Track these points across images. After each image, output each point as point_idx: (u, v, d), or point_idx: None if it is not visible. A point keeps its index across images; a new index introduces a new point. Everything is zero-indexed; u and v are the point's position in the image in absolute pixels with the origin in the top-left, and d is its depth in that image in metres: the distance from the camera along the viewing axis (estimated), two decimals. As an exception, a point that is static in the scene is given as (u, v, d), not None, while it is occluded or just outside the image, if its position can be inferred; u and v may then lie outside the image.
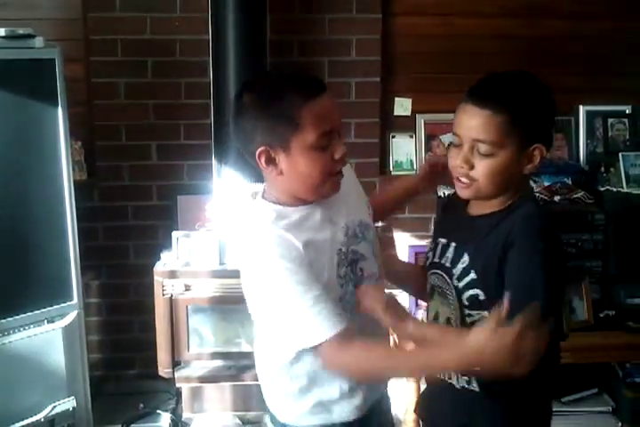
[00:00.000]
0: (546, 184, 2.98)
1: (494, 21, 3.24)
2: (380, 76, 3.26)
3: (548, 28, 3.27)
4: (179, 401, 3.05)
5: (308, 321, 1.45)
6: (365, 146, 3.31)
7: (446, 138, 3.26)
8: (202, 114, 3.16)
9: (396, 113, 3.31)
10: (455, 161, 1.54)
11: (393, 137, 3.33)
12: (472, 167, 1.52)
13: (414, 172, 3.33)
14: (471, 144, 1.51)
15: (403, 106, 3.31)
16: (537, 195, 2.79)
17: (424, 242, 3.23)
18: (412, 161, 3.33)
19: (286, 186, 1.49)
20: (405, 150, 3.33)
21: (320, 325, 1.45)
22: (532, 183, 2.92)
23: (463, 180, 1.55)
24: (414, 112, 3.30)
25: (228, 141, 2.91)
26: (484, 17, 3.23)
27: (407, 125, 3.32)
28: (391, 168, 3.35)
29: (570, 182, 3.05)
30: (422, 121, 3.30)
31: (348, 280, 1.53)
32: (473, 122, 1.50)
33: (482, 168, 1.51)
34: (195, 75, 3.16)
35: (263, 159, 1.44)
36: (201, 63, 3.11)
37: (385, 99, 3.30)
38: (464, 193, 1.58)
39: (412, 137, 3.33)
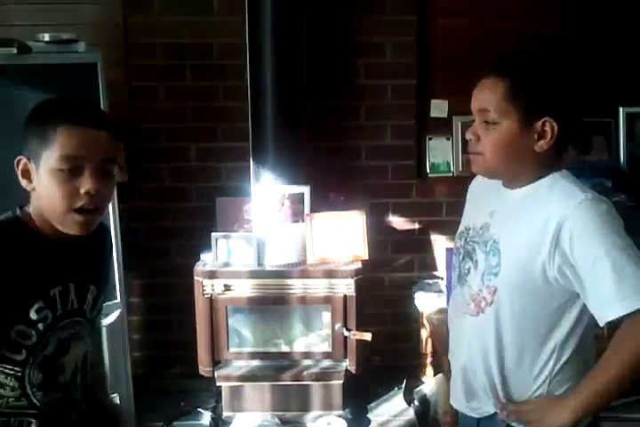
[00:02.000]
0: (586, 187, 2.96)
1: (532, 22, 3.22)
2: (416, 79, 3.27)
3: (587, 30, 3.25)
4: (219, 400, 3.09)
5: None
6: (402, 148, 3.32)
7: (469, 135, 3.25)
8: (239, 117, 3.20)
9: (432, 115, 3.31)
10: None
11: (429, 139, 3.33)
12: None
13: (451, 174, 3.33)
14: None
15: (439, 108, 3.31)
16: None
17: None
18: (448, 163, 3.33)
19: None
20: (442, 153, 3.33)
21: None
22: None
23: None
24: (451, 114, 3.30)
25: (266, 144, 2.95)
26: (521, 18, 3.22)
27: (444, 127, 3.32)
28: (428, 171, 3.35)
29: (610, 185, 3.02)
30: (459, 123, 3.29)
31: None
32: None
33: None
34: (232, 78, 3.20)
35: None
36: (238, 66, 3.15)
37: (421, 101, 3.30)
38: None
39: (448, 139, 3.32)
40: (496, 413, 1.62)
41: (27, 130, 1.41)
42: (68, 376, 1.47)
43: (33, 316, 1.38)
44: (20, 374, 1.40)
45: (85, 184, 1.36)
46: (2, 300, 1.35)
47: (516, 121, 1.49)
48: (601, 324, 1.45)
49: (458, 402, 1.73)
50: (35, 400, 1.44)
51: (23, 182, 1.42)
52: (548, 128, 1.49)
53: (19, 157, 1.41)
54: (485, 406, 1.64)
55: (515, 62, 1.55)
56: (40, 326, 1.39)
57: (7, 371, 1.40)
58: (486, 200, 1.67)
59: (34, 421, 1.46)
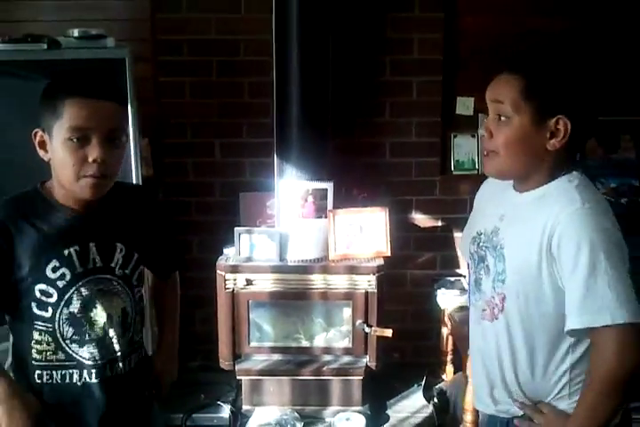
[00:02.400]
0: (612, 186, 2.94)
1: (560, 19, 3.19)
2: (442, 75, 3.26)
3: (617, 27, 3.20)
4: (238, 393, 3.11)
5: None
6: (426, 145, 3.32)
7: (482, 131, 3.24)
8: (263, 113, 3.23)
9: (458, 112, 3.30)
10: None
11: (454, 136, 3.32)
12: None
13: (475, 172, 3.32)
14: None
15: (465, 105, 3.29)
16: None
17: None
18: (473, 161, 3.32)
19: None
20: (467, 150, 3.32)
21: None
22: (597, 185, 2.88)
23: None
24: (477, 111, 3.28)
25: (290, 140, 2.96)
26: (549, 15, 3.19)
27: (469, 125, 3.30)
28: (452, 168, 3.34)
29: (637, 184, 3.00)
30: (485, 120, 3.26)
31: None
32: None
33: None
34: (258, 74, 3.22)
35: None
36: (263, 63, 3.17)
37: (447, 98, 3.29)
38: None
39: (473, 136, 3.31)
40: (525, 414, 1.62)
41: (40, 103, 1.50)
42: (99, 330, 1.59)
43: (50, 274, 1.53)
44: (51, 329, 1.55)
45: (93, 153, 1.46)
46: (22, 261, 1.51)
47: (528, 117, 1.49)
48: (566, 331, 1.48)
49: (485, 406, 1.72)
50: (71, 353, 1.58)
51: (40, 153, 1.53)
52: (561, 126, 1.49)
53: (35, 130, 1.51)
54: (512, 409, 1.64)
55: (530, 60, 1.55)
56: (59, 283, 1.53)
57: (40, 327, 1.55)
58: (497, 203, 1.66)
59: (76, 372, 1.58)
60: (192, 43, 3.21)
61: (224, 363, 2.97)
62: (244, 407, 3.03)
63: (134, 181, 2.65)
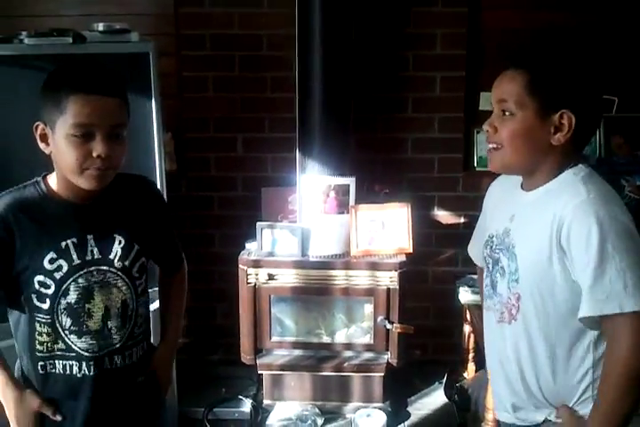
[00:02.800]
0: (638, 183, 2.90)
1: (585, 15, 3.15)
2: (465, 71, 3.24)
3: (633, 23, 3.16)
4: (259, 388, 3.12)
5: None
6: (449, 141, 3.30)
7: (486, 126, 3.21)
8: (286, 108, 3.22)
9: (481, 108, 3.27)
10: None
11: (477, 132, 3.30)
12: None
13: (498, 167, 3.29)
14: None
15: (488, 100, 3.20)
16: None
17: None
18: (496, 156, 3.29)
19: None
20: (490, 146, 3.29)
21: None
22: (622, 182, 2.84)
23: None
24: (500, 107, 3.25)
25: (313, 135, 2.96)
26: (573, 10, 3.15)
27: (492, 120, 3.27)
28: (475, 164, 3.32)
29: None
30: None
31: None
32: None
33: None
34: (280, 69, 3.21)
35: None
36: (286, 58, 3.17)
37: (470, 93, 3.27)
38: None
39: (497, 132, 3.28)
40: (545, 420, 1.61)
41: (42, 96, 1.50)
42: (97, 322, 1.59)
43: (47, 266, 1.54)
44: (50, 320, 1.56)
45: (97, 148, 1.48)
46: (22, 253, 1.53)
47: (532, 113, 1.49)
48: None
49: (504, 414, 1.70)
50: (71, 343, 1.59)
51: (42, 146, 1.54)
52: (565, 121, 1.48)
53: (36, 123, 1.52)
54: (532, 416, 1.63)
55: (533, 56, 1.55)
56: (56, 275, 1.55)
57: (40, 319, 1.57)
58: (506, 205, 1.65)
59: (75, 363, 1.59)
60: (215, 37, 3.21)
61: (245, 357, 2.97)
62: (265, 402, 3.04)
63: (158, 176, 2.65)
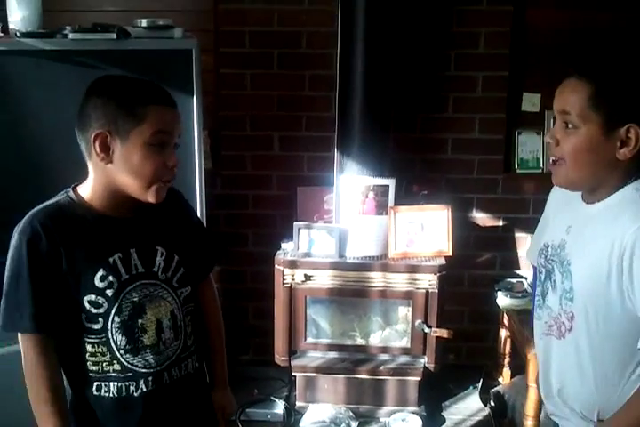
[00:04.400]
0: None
1: (633, 16, 3.07)
2: (508, 71, 3.17)
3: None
4: (292, 389, 3.09)
5: None
6: (490, 142, 3.24)
7: (548, 139, 3.14)
8: (324, 106, 3.18)
9: (523, 109, 3.21)
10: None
11: (519, 134, 3.23)
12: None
13: (540, 171, 3.23)
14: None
15: (531, 101, 3.20)
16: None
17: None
18: (538, 159, 3.23)
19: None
20: (532, 148, 3.23)
21: None
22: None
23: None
24: (543, 108, 3.18)
25: (352, 134, 2.91)
26: (623, 11, 3.07)
27: (535, 122, 3.21)
28: (516, 166, 3.25)
29: None
30: (552, 117, 3.18)
31: None
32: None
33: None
34: (319, 67, 3.17)
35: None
36: (326, 55, 3.13)
37: (512, 94, 3.20)
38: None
39: (539, 134, 3.21)
40: None
41: (103, 107, 1.47)
42: (152, 336, 1.55)
43: (99, 284, 1.50)
44: (104, 340, 1.51)
45: (172, 158, 1.50)
46: (69, 273, 1.48)
47: (597, 127, 1.42)
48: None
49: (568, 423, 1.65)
50: (126, 363, 1.53)
51: (100, 156, 1.48)
52: (632, 135, 1.41)
53: (97, 131, 1.46)
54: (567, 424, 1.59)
55: (599, 66, 1.47)
56: (108, 292, 1.50)
57: (92, 340, 1.51)
58: (564, 213, 1.59)
59: (132, 383, 1.54)
60: (254, 34, 3.17)
61: (279, 358, 2.94)
62: (298, 404, 3.01)
63: (197, 174, 2.62)
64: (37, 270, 1.46)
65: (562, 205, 1.63)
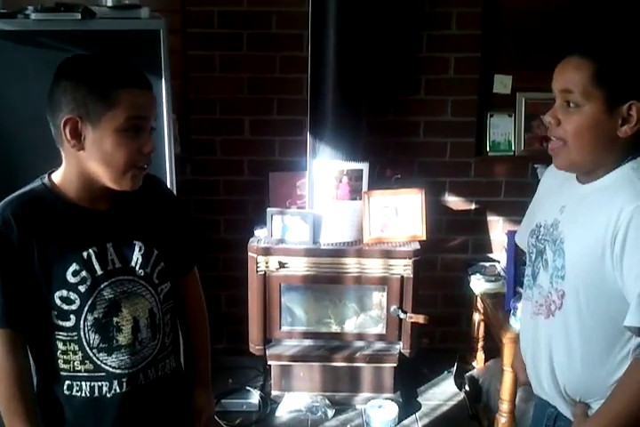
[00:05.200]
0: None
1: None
2: (480, 52, 3.14)
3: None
4: (267, 378, 3.05)
5: None
6: (462, 125, 3.21)
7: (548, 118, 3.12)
8: (296, 89, 3.11)
9: (495, 90, 3.18)
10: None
11: (491, 116, 3.21)
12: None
13: (512, 153, 3.21)
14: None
15: (502, 83, 3.17)
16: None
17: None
18: (510, 142, 3.21)
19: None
20: (503, 130, 3.21)
21: None
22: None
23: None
24: (515, 90, 3.17)
25: (325, 118, 2.85)
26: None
27: (506, 104, 3.19)
28: (487, 149, 3.23)
29: None
30: (523, 99, 3.16)
31: None
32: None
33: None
34: (291, 48, 3.09)
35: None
36: (297, 36, 3.05)
37: (484, 75, 3.17)
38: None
39: (510, 116, 3.19)
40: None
41: (72, 90, 1.38)
42: (127, 335, 1.47)
43: (71, 279, 1.42)
44: (76, 338, 1.44)
45: (148, 144, 1.42)
46: (40, 266, 1.40)
47: (600, 104, 1.41)
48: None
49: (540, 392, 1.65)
50: (99, 363, 1.46)
51: (71, 143, 1.40)
52: (634, 112, 1.40)
53: (67, 117, 1.38)
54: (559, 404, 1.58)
55: (602, 44, 1.46)
56: (81, 288, 1.42)
57: (63, 337, 1.43)
58: (557, 194, 1.58)
59: (105, 384, 1.47)
60: (223, 14, 3.07)
61: (254, 347, 2.90)
62: (274, 393, 2.97)
63: (167, 159, 2.54)
64: (7, 262, 1.38)
65: (554, 187, 1.62)
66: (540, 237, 1.58)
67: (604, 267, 1.41)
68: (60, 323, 1.43)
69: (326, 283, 2.89)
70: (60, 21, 2.26)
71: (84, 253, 1.42)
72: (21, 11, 2.26)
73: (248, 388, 3.02)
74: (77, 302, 1.42)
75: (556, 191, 1.60)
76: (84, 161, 1.41)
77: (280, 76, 3.14)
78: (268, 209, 2.87)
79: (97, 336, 1.44)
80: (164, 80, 2.48)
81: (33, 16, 2.23)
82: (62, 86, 1.39)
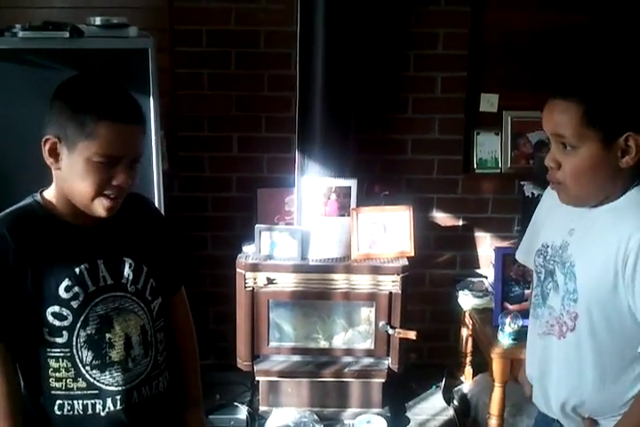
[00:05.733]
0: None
1: (590, 17, 3.11)
2: (466, 71, 3.18)
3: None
4: (254, 394, 3.05)
5: None
6: (449, 143, 3.25)
7: (534, 136, 3.17)
8: (283, 107, 3.15)
9: (481, 109, 3.23)
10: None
11: (477, 134, 3.25)
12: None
13: (499, 171, 3.25)
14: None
15: (489, 102, 3.22)
16: None
17: (508, 243, 3.16)
18: (496, 159, 3.24)
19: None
20: (490, 148, 3.25)
21: None
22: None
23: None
24: (501, 108, 3.21)
25: (314, 135, 2.88)
26: (580, 12, 3.11)
27: (493, 122, 3.23)
28: (475, 166, 3.26)
29: None
30: (509, 118, 3.20)
31: None
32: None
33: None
34: (278, 67, 3.13)
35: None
36: (285, 55, 3.09)
37: (471, 94, 3.21)
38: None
39: (497, 134, 3.23)
40: None
41: (58, 111, 1.39)
42: (120, 352, 1.47)
43: (63, 294, 1.42)
44: (69, 354, 1.43)
45: (119, 178, 1.40)
46: (33, 282, 1.39)
47: (596, 143, 1.40)
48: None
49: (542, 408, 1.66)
50: (93, 380, 1.45)
51: (49, 161, 1.43)
52: (632, 143, 1.39)
53: (47, 137, 1.40)
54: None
55: (584, 83, 1.44)
56: (73, 304, 1.42)
57: (56, 354, 1.43)
58: (566, 215, 1.57)
59: (98, 402, 1.46)
60: (210, 33, 3.11)
61: (242, 363, 2.90)
62: (261, 408, 2.97)
63: (155, 176, 2.56)
64: (1, 277, 1.38)
65: (556, 207, 1.60)
66: (547, 257, 1.59)
67: (616, 291, 1.42)
68: (52, 339, 1.43)
69: (314, 299, 2.90)
70: (48, 40, 2.28)
71: (77, 269, 1.43)
72: (9, 29, 2.28)
73: (236, 404, 3.01)
74: (70, 317, 1.42)
75: (561, 212, 1.58)
76: (61, 180, 1.44)
77: (268, 95, 3.17)
78: (257, 225, 2.88)
79: (89, 353, 1.44)
80: (152, 98, 2.51)
81: (21, 34, 2.26)
82: (52, 106, 1.41)
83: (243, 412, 2.96)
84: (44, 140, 1.40)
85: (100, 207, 1.42)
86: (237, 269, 2.83)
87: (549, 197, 1.68)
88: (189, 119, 3.20)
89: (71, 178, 1.41)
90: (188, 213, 3.26)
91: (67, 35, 2.29)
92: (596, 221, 1.49)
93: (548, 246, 1.59)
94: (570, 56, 3.04)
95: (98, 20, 2.44)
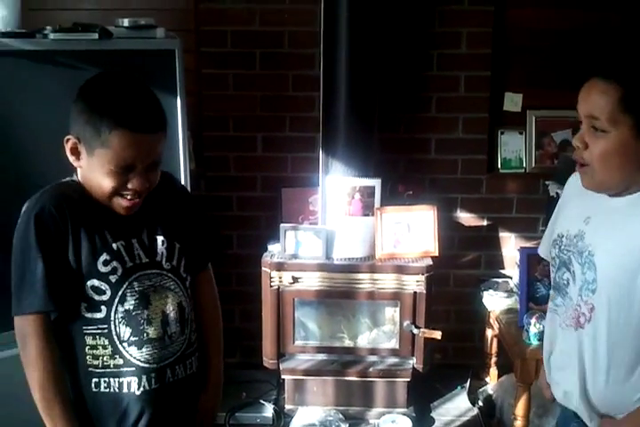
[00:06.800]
0: None
1: (616, 14, 3.09)
2: (490, 70, 3.17)
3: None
4: (280, 392, 3.06)
5: None
6: (473, 142, 3.24)
7: (558, 135, 3.15)
8: (308, 106, 3.16)
9: (505, 108, 3.22)
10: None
11: (502, 133, 3.24)
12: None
13: (523, 170, 3.24)
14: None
15: (513, 101, 3.21)
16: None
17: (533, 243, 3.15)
18: (520, 159, 3.23)
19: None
20: (514, 147, 3.23)
21: None
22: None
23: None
24: (525, 108, 3.20)
25: (338, 135, 2.89)
26: (605, 10, 3.09)
27: (517, 122, 3.22)
28: (499, 166, 3.25)
29: None
30: (533, 117, 3.19)
31: None
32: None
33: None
34: (302, 67, 3.15)
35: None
36: (309, 55, 3.11)
37: (495, 93, 3.21)
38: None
39: (521, 134, 3.22)
40: None
41: (78, 113, 1.42)
42: (157, 329, 1.49)
43: (102, 268, 1.45)
44: (106, 331, 1.45)
45: (134, 182, 1.44)
46: (73, 255, 1.43)
47: (628, 130, 1.40)
48: None
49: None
50: (129, 357, 1.47)
51: (71, 158, 1.48)
52: None
53: (68, 137, 1.45)
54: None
55: (626, 67, 1.45)
56: (112, 278, 1.46)
57: (93, 331, 1.46)
58: (581, 204, 1.57)
59: (134, 379, 1.48)
60: (236, 34, 3.14)
61: (268, 362, 2.91)
62: (287, 407, 2.98)
63: (182, 175, 2.59)
64: (46, 246, 1.42)
65: (574, 195, 1.60)
66: (562, 247, 1.58)
67: (636, 283, 1.42)
68: (91, 315, 1.46)
69: (339, 298, 2.91)
70: (77, 41, 2.31)
71: (114, 245, 1.47)
72: (40, 30, 2.32)
73: (262, 402, 3.03)
74: (108, 292, 1.46)
75: (578, 200, 1.59)
76: (83, 176, 1.50)
77: (292, 94, 3.19)
78: (282, 225, 2.90)
79: (127, 329, 1.47)
80: (179, 98, 2.54)
81: (51, 36, 2.29)
82: (74, 105, 1.45)
83: (269, 410, 2.98)
84: (66, 139, 1.46)
85: (117, 206, 1.47)
86: (263, 268, 2.85)
87: (569, 188, 1.68)
88: (215, 119, 3.23)
89: (91, 177, 1.46)
90: (214, 213, 3.28)
91: (96, 36, 2.32)
92: (617, 210, 1.48)
93: (562, 236, 1.58)
94: (595, 55, 3.01)
95: (126, 22, 2.48)
